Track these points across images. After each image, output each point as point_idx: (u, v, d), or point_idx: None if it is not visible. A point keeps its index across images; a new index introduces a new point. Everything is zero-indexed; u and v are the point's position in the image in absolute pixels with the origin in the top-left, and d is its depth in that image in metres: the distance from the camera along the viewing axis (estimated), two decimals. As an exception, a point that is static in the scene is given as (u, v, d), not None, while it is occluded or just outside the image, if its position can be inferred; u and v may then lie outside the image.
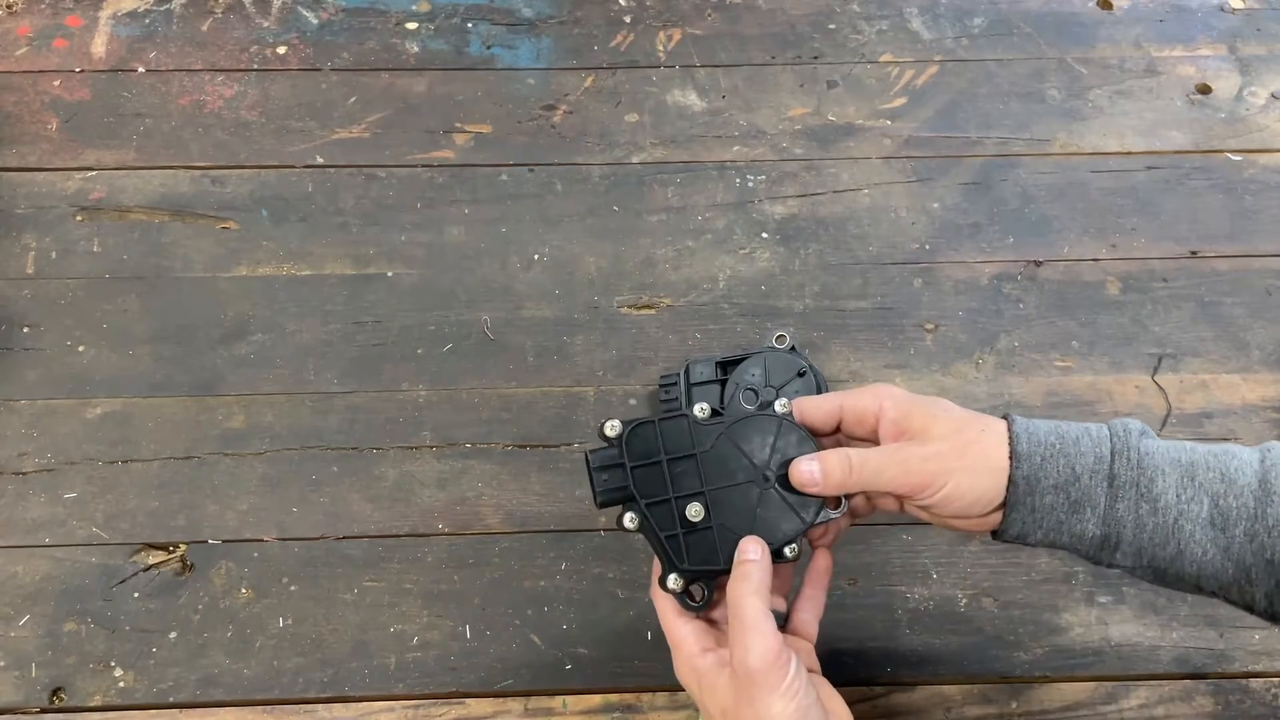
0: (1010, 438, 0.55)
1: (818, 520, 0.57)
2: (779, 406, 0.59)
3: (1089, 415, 0.80)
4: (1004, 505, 0.55)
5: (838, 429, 0.59)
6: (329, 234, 0.87)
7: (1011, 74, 0.97)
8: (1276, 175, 0.91)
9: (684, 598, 0.56)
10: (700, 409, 0.58)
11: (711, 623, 0.58)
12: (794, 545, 0.57)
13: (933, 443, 0.55)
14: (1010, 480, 0.54)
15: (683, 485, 0.57)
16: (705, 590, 0.57)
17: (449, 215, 0.88)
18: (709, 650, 0.55)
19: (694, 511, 0.56)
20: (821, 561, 0.61)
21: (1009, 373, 0.82)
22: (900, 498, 0.57)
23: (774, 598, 0.60)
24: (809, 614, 0.60)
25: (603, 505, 0.57)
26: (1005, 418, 0.56)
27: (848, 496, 0.58)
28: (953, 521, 0.57)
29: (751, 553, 0.55)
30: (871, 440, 0.58)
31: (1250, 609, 0.54)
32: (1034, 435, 0.55)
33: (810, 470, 0.56)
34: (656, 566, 0.57)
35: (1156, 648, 0.71)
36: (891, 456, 0.55)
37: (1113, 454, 0.54)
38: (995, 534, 0.57)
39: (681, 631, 0.56)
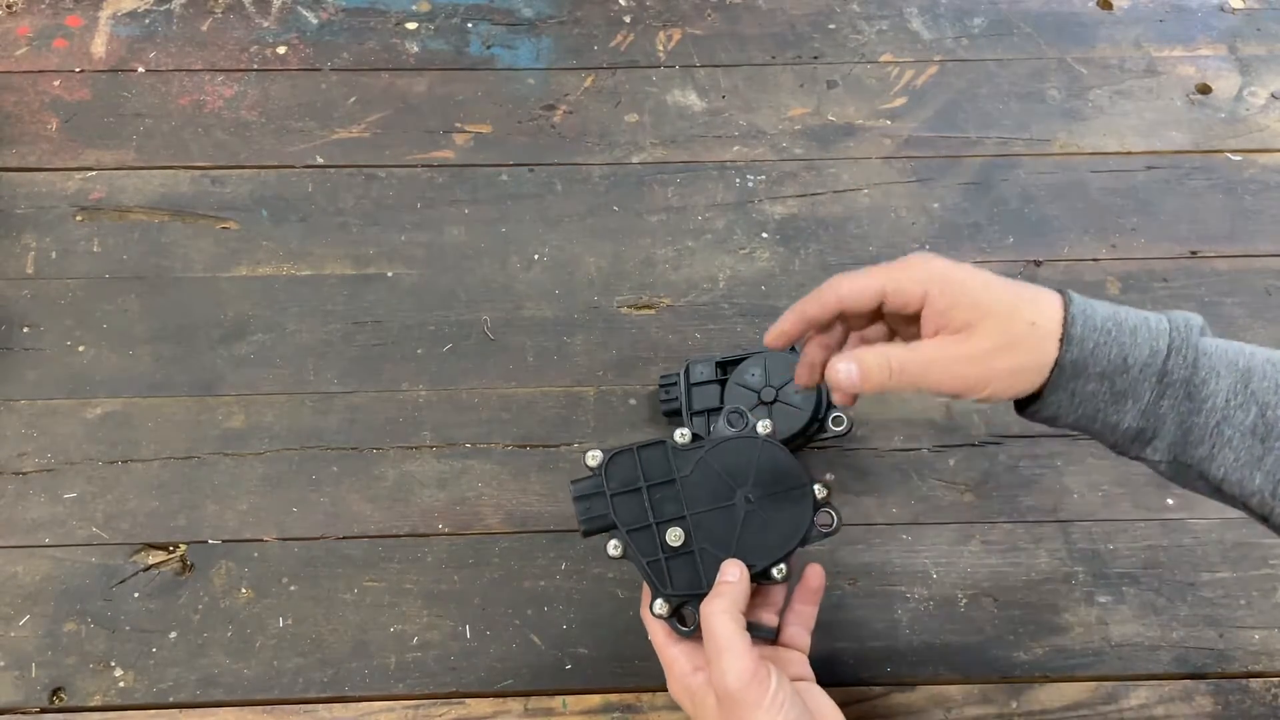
0: (1065, 319, 0.52)
1: (806, 542, 0.57)
2: (760, 428, 0.59)
3: (1089, 415, 0.80)
4: (1044, 385, 0.52)
5: (878, 311, 0.56)
6: (329, 234, 0.87)
7: (1011, 74, 0.97)
8: (1276, 175, 0.91)
9: (674, 622, 0.57)
10: (680, 434, 0.59)
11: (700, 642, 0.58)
12: (782, 566, 0.57)
13: (979, 339, 0.52)
14: (1057, 363, 0.51)
15: (663, 511, 0.57)
16: (695, 614, 0.57)
17: (449, 215, 0.88)
18: (699, 669, 0.55)
19: (674, 536, 0.57)
20: (814, 580, 0.60)
21: (1009, 373, 0.82)
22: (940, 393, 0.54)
23: (764, 613, 0.60)
24: (798, 626, 0.60)
25: (586, 534, 0.58)
26: (1061, 293, 0.53)
27: (838, 513, 0.58)
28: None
29: (730, 575, 0.55)
30: (914, 323, 0.55)
31: (1266, 520, 0.52)
32: (1090, 319, 0.52)
33: (848, 371, 0.53)
34: (646, 590, 0.58)
35: (1156, 648, 0.71)
36: (938, 355, 0.52)
37: (1170, 349, 0.51)
38: (1021, 407, 0.54)
39: (672, 653, 0.56)
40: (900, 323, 0.57)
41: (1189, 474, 0.53)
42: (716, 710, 0.53)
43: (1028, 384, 0.52)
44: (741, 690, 0.51)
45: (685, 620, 0.57)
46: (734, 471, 0.58)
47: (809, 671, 0.58)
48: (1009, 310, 0.52)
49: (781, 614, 0.60)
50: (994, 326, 0.52)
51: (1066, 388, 0.52)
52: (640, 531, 0.57)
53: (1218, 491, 0.53)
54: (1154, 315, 0.53)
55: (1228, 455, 0.51)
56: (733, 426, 0.59)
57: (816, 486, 0.58)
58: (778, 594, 0.60)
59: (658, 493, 0.58)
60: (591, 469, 0.59)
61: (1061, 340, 0.51)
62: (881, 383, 0.52)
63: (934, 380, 0.52)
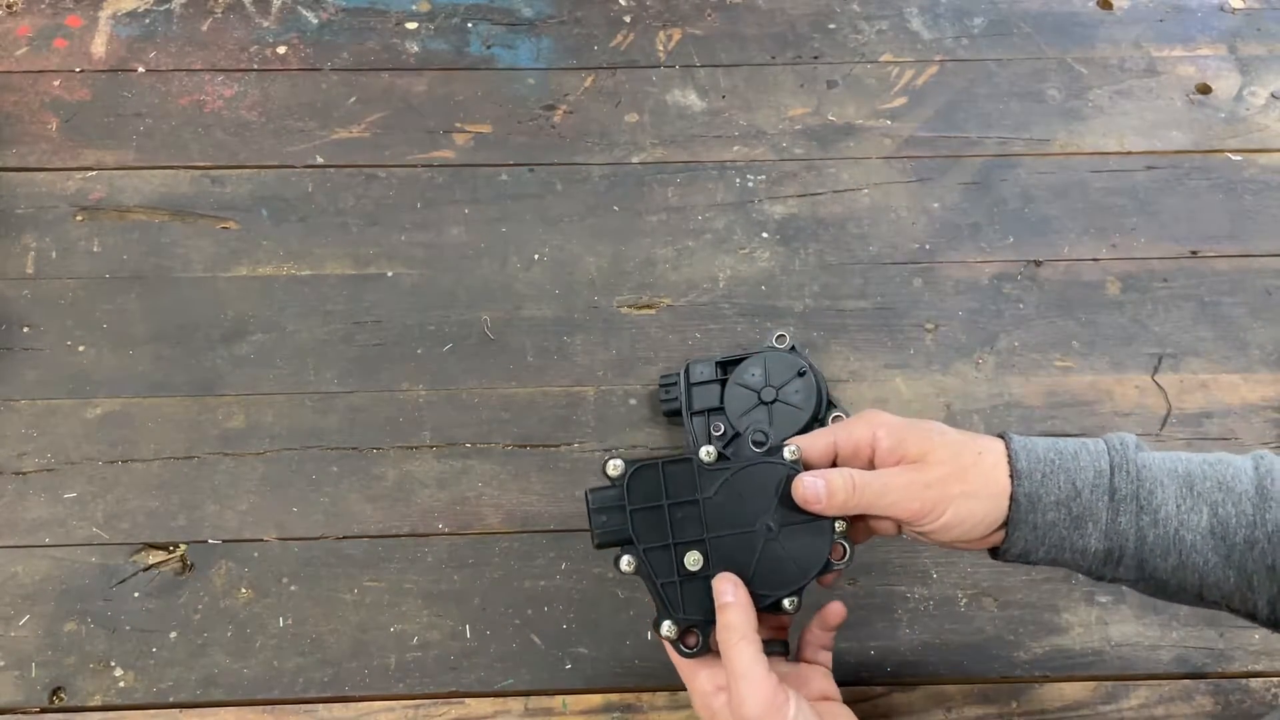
0: (1009, 455, 0.55)
1: (822, 572, 0.56)
2: (788, 453, 0.57)
3: (1089, 415, 0.80)
4: (1006, 524, 0.55)
5: (833, 464, 0.58)
6: (329, 234, 0.87)
7: (1011, 74, 0.97)
8: (1276, 175, 0.91)
9: (678, 644, 0.56)
10: (707, 452, 0.57)
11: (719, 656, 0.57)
12: (794, 598, 0.56)
13: (932, 468, 0.54)
14: (1012, 498, 0.54)
15: (683, 532, 0.56)
16: (700, 637, 0.56)
17: (449, 215, 0.88)
18: (721, 689, 0.54)
19: (693, 560, 0.55)
20: (833, 618, 0.59)
21: (1009, 373, 0.82)
22: (900, 522, 0.56)
23: (774, 631, 0.59)
24: (817, 647, 0.60)
25: (600, 547, 0.56)
26: (1002, 436, 0.56)
27: (852, 547, 0.57)
28: (957, 545, 0.56)
29: (727, 594, 0.54)
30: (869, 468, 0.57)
31: (1253, 617, 0.54)
32: (1033, 452, 0.55)
33: (815, 486, 0.55)
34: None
35: (1156, 647, 0.71)
36: (895, 479, 0.55)
37: (1112, 468, 0.54)
38: (995, 553, 0.57)
39: (692, 672, 0.56)
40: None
41: (1169, 588, 0.55)
42: None
43: (983, 513, 0.54)
44: (761, 718, 0.51)
45: (688, 643, 0.56)
46: (757, 495, 0.56)
47: (833, 688, 0.58)
48: (956, 445, 0.56)
49: (800, 635, 0.60)
50: (945, 455, 0.55)
51: (1027, 521, 0.54)
52: (657, 551, 0.56)
53: (1200, 599, 0.55)
54: (1089, 440, 0.56)
55: (1196, 560, 0.53)
56: (758, 447, 0.58)
57: (837, 521, 0.57)
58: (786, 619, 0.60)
59: (679, 512, 0.56)
60: (612, 479, 0.56)
61: (1011, 476, 0.54)
62: (845, 500, 0.55)
63: (891, 501, 0.55)
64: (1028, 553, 0.55)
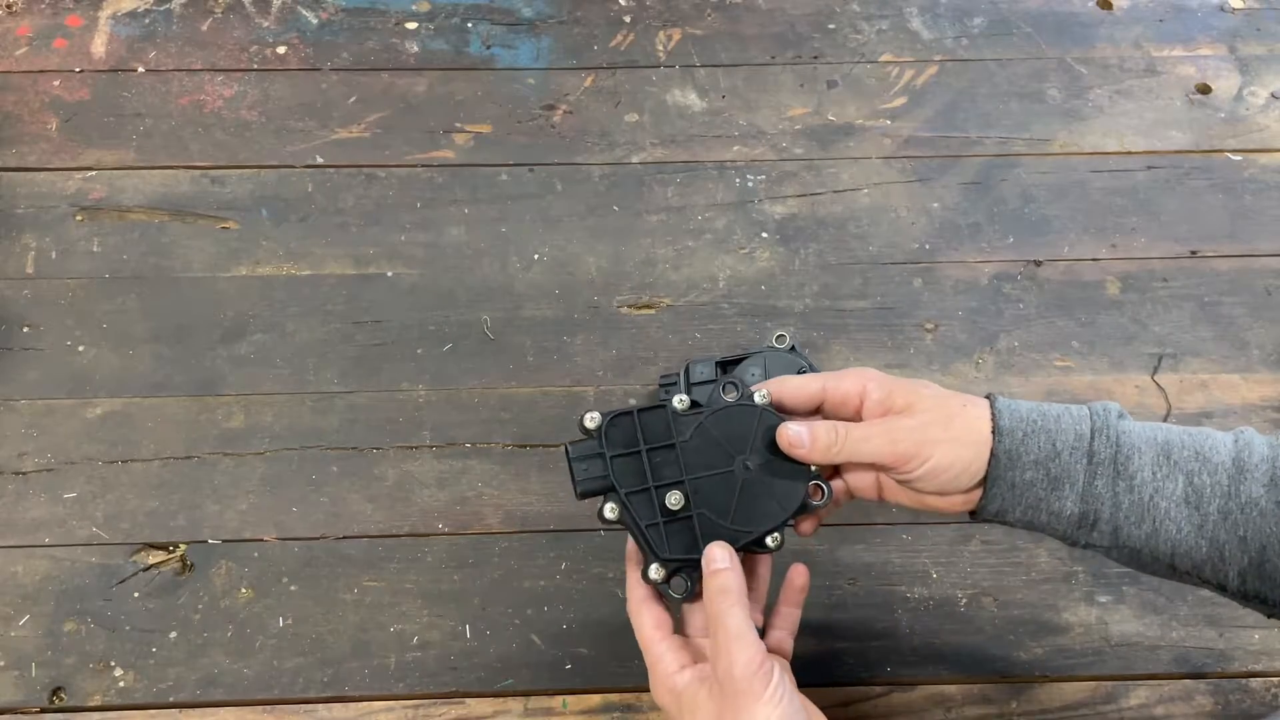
0: (993, 413, 0.55)
1: (801, 510, 0.57)
2: (758, 397, 0.58)
3: (1089, 415, 0.80)
4: (984, 481, 0.55)
5: (818, 411, 0.59)
6: (329, 234, 0.87)
7: (1011, 74, 0.97)
8: (1276, 175, 0.91)
9: (666, 587, 0.56)
10: (680, 400, 0.58)
11: (686, 638, 0.57)
12: (776, 535, 0.57)
13: (918, 415, 0.55)
14: (992, 454, 0.54)
15: (662, 475, 0.56)
16: (687, 582, 0.56)
17: (449, 215, 0.88)
18: (685, 667, 0.54)
19: (674, 500, 0.56)
20: (798, 579, 0.60)
21: (1009, 373, 0.82)
22: (885, 470, 0.57)
23: (753, 609, 0.59)
24: (784, 630, 0.59)
25: (583, 496, 0.57)
26: (988, 396, 0.57)
27: (829, 486, 0.58)
28: (933, 500, 0.57)
29: (719, 560, 0.54)
30: (855, 420, 0.58)
31: (1223, 589, 0.54)
32: (1016, 411, 0.55)
33: (799, 433, 0.56)
34: (633, 583, 0.57)
35: (1156, 647, 0.71)
36: (878, 426, 0.56)
37: (1092, 431, 0.54)
38: (973, 513, 0.57)
39: (659, 649, 0.55)
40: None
41: (1142, 556, 0.55)
42: (709, 705, 0.52)
43: (965, 460, 0.55)
44: (748, 679, 0.51)
45: (677, 587, 0.56)
46: (733, 439, 0.57)
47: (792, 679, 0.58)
48: (944, 395, 0.57)
49: (767, 618, 0.60)
50: (931, 404, 0.56)
51: (1005, 478, 0.55)
52: (638, 495, 0.56)
53: (1172, 570, 0.55)
54: (1074, 405, 0.56)
55: (1169, 528, 0.53)
56: (728, 395, 0.58)
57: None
58: (761, 592, 0.60)
59: (657, 456, 0.57)
60: (589, 431, 0.57)
61: (993, 433, 0.55)
62: (828, 445, 0.56)
63: (875, 447, 0.55)
64: (1004, 511, 0.56)
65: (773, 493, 0.57)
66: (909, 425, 0.55)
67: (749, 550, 0.57)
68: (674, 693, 0.54)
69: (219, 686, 0.70)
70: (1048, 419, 0.55)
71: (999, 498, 0.55)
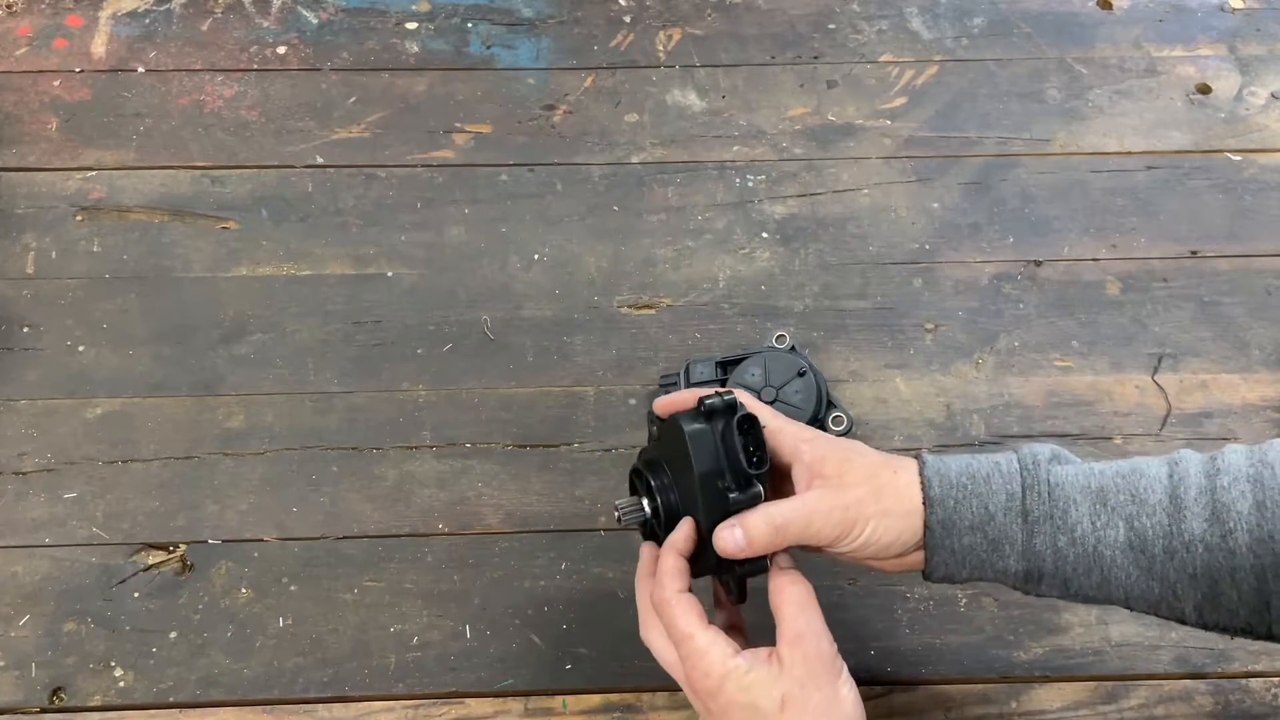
0: (922, 482, 0.55)
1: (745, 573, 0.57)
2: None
3: (1089, 415, 0.80)
4: (924, 548, 0.55)
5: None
6: (329, 234, 0.87)
7: (1011, 74, 0.97)
8: (1276, 175, 0.91)
9: (746, 568, 0.56)
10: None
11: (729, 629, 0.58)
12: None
13: (849, 489, 0.55)
14: (926, 525, 0.54)
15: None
16: (736, 586, 0.57)
17: (449, 215, 0.88)
18: (738, 652, 0.54)
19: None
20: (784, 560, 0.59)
21: (1009, 373, 0.82)
22: (819, 547, 0.57)
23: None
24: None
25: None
26: (917, 458, 0.56)
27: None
28: (873, 563, 0.57)
29: (787, 560, 0.56)
30: (786, 482, 0.58)
31: (1182, 621, 0.54)
32: (945, 477, 0.55)
33: (734, 536, 0.55)
34: (671, 571, 0.55)
35: (1156, 648, 0.71)
36: (813, 508, 0.55)
37: (1024, 489, 0.54)
38: (924, 575, 0.57)
39: (706, 636, 0.54)
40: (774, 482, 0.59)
41: (1098, 601, 0.55)
42: (778, 684, 0.52)
43: (896, 531, 0.55)
44: (835, 656, 0.54)
45: (729, 589, 0.57)
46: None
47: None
48: (874, 465, 0.56)
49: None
50: (862, 475, 0.55)
51: (945, 546, 0.54)
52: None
53: (1129, 608, 0.55)
54: (1003, 457, 0.56)
55: (1118, 575, 0.53)
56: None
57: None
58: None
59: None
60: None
61: (925, 504, 0.54)
62: (768, 543, 0.55)
63: (816, 530, 0.55)
64: (952, 575, 0.56)
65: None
66: (844, 503, 0.54)
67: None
68: (729, 676, 0.53)
69: (219, 687, 0.70)
70: (977, 481, 0.55)
71: (943, 565, 0.55)
